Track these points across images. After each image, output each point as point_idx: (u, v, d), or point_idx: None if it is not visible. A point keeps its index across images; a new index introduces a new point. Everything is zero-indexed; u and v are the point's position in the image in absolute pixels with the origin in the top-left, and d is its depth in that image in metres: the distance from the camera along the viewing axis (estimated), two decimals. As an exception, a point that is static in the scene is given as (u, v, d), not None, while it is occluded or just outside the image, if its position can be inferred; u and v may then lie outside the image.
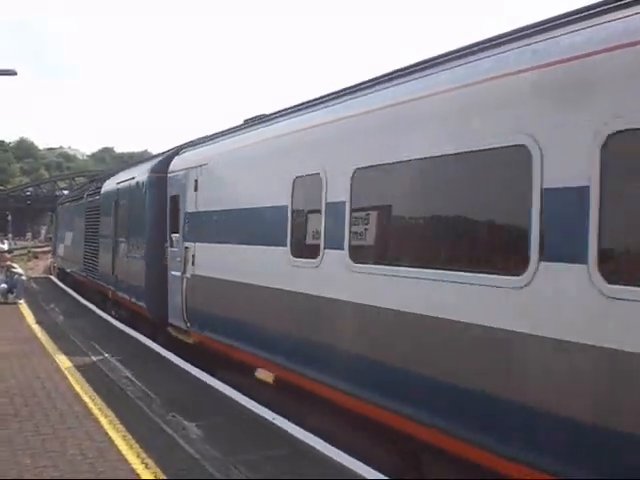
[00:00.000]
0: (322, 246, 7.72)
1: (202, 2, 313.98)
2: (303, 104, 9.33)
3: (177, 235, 12.80)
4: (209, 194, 11.40)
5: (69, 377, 10.26)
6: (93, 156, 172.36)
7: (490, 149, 5.49)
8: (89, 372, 10.64)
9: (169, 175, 13.59)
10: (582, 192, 4.64)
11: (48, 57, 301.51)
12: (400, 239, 6.87)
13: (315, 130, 8.38)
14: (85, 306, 20.42)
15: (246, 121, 11.63)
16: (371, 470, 6.45)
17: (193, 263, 11.82)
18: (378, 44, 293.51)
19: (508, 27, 5.87)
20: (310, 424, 7.85)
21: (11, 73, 25.40)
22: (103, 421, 7.98)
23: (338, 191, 7.42)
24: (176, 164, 13.44)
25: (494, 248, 5.70)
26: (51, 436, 7.41)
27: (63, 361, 11.47)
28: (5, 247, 24.37)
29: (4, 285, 20.64)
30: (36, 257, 48.62)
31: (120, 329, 15.45)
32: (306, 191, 8.28)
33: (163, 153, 16.13)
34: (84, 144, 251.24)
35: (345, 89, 8.30)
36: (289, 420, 8.02)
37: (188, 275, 12.03)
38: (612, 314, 4.47)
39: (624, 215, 4.54)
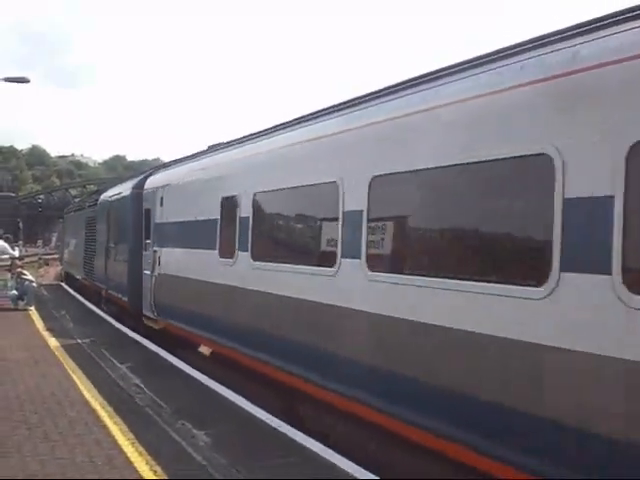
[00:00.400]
0: (237, 249, 10.37)
1: (218, 7, 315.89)
2: (234, 140, 12.46)
3: (149, 241, 15.67)
4: (170, 208, 14.46)
5: (79, 384, 10.30)
6: (105, 164, 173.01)
7: (315, 184, 8.22)
8: (99, 379, 10.67)
9: (144, 192, 16.57)
10: (360, 214, 7.13)
11: (60, 64, 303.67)
12: (274, 243, 9.90)
13: (235, 162, 11.47)
14: (95, 313, 20.47)
15: (209, 147, 14.33)
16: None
17: (159, 264, 14.80)
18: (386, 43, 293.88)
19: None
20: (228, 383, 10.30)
21: (24, 81, 25.67)
22: (112, 428, 8.00)
23: (246, 209, 10.10)
24: (149, 183, 16.50)
25: (309, 250, 8.77)
26: (60, 443, 7.44)
27: (73, 368, 11.52)
28: (16, 254, 24.48)
29: (15, 292, 20.73)
30: (47, 264, 48.73)
31: (131, 337, 15.50)
32: (229, 208, 10.90)
33: (147, 171, 19.16)
34: (96, 152, 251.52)
35: (251, 134, 11.57)
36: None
37: (156, 274, 14.97)
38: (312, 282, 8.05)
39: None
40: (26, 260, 40.41)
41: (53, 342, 14.28)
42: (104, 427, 8.05)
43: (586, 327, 4.61)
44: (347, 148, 7.74)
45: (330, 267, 7.67)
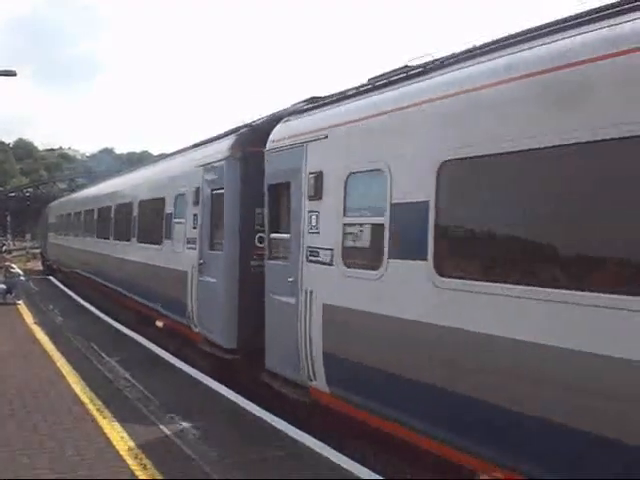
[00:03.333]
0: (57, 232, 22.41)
1: (205, 2, 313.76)
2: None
3: (49, 232, 36.75)
4: (51, 217, 36.94)
5: (68, 378, 10.29)
6: (93, 157, 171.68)
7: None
8: (88, 373, 10.66)
9: (48, 209, 39.28)
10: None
11: (48, 57, 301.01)
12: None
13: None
14: (84, 307, 20.42)
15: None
16: (367, 471, 6.48)
17: (48, 239, 36.53)
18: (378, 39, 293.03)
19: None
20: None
21: (11, 74, 25.38)
22: (101, 422, 8.01)
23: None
24: (50, 206, 38.90)
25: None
26: (49, 437, 7.44)
27: (62, 362, 11.51)
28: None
29: (3, 286, 20.63)
30: (35, 257, 48.58)
31: (119, 330, 15.51)
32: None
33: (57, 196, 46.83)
34: (84, 145, 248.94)
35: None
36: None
37: (49, 243, 36.31)
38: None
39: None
40: (14, 254, 40.46)
41: (42, 336, 14.26)
42: (93, 421, 8.06)
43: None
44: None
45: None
